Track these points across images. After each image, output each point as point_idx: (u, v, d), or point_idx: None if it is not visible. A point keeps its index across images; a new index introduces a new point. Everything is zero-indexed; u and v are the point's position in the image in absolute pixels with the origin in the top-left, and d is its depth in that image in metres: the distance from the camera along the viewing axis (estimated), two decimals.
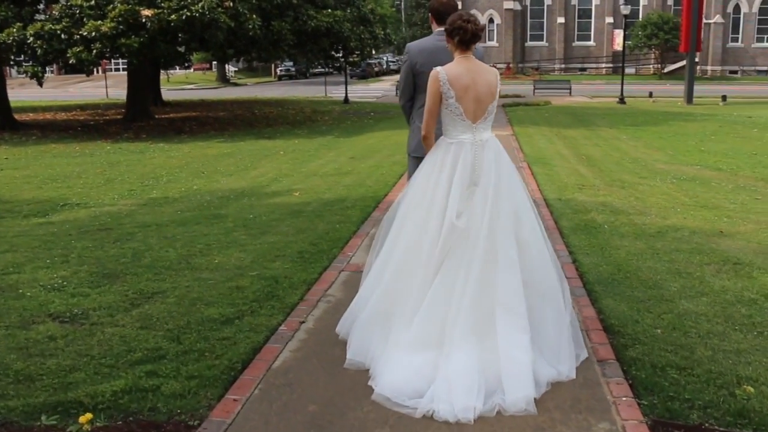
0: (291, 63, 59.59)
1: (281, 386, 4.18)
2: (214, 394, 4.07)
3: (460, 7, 5.47)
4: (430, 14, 5.34)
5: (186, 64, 38.45)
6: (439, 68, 4.34)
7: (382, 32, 28.87)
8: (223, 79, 60.10)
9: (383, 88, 49.88)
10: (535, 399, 3.90)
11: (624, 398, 3.94)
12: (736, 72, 60.57)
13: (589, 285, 5.94)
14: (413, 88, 5.28)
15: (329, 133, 21.91)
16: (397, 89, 41.63)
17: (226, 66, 59.77)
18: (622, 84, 34.88)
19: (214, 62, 60.06)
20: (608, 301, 5.49)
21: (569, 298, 4.56)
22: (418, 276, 4.26)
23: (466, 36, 4.30)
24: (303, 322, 5.20)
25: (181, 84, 55.99)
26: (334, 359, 4.51)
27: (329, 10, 24.12)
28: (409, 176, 5.06)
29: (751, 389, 3.97)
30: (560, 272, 4.55)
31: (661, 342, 4.68)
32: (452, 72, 4.31)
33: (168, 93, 40.13)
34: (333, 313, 5.31)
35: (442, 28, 4.64)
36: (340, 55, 29.29)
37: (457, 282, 4.15)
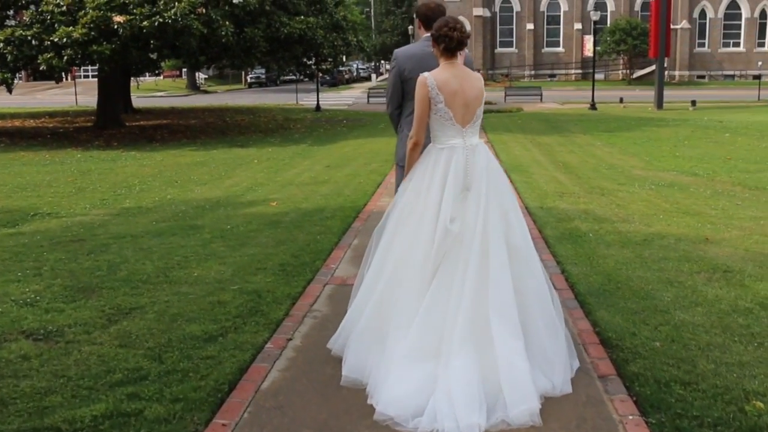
0: (262, 70, 59.23)
1: (272, 409, 3.97)
2: (201, 418, 3.85)
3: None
4: (417, 20, 5.19)
5: (156, 71, 38.00)
6: (426, 74, 4.29)
7: (355, 39, 28.71)
8: (193, 87, 59.61)
9: (354, 96, 49.75)
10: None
11: (630, 416, 3.79)
12: (703, 77, 61.37)
13: (581, 296, 5.80)
14: (401, 95, 5.13)
15: (303, 141, 21.67)
16: (369, 96, 41.74)
17: (196, 73, 59.26)
18: (593, 90, 35.08)
19: (184, 69, 59.52)
20: (602, 313, 5.35)
21: (560, 307, 4.45)
22: (413, 283, 4.14)
23: (452, 44, 4.26)
24: (290, 339, 4.99)
25: (151, 91, 55.43)
26: (326, 379, 4.32)
27: (302, 17, 23.90)
28: (398, 185, 4.91)
29: (761, 405, 3.83)
30: (549, 281, 4.43)
31: (661, 356, 4.55)
32: (440, 77, 4.25)
33: (138, 100, 39.56)
34: (320, 330, 5.12)
35: (430, 34, 4.53)
36: (312, 62, 29.10)
37: (453, 287, 4.05)
